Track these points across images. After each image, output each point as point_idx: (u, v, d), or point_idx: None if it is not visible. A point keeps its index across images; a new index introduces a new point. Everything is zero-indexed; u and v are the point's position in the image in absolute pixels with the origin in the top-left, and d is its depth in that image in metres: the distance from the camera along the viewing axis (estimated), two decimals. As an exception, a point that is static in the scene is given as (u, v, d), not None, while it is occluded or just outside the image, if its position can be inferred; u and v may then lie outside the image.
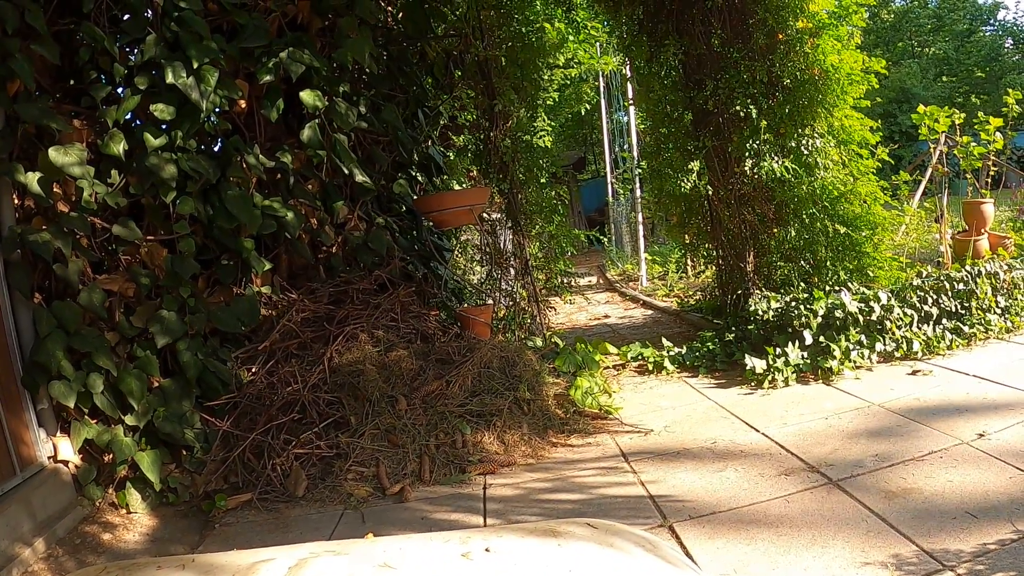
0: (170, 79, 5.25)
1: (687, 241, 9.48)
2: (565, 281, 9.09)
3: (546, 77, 10.76)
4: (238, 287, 6.09)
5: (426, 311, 6.96)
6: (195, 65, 5.36)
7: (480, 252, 8.52)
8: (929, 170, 11.20)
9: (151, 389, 5.31)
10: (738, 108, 7.41)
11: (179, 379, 5.48)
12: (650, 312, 11.36)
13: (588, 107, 21.07)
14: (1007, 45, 37.61)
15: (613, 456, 5.37)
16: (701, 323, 8.92)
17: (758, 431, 5.41)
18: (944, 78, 35.39)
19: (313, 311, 6.43)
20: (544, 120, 9.92)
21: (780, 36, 7.48)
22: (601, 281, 16.13)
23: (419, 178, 8.29)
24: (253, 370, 5.96)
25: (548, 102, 13.54)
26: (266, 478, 5.26)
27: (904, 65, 34.87)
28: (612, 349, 7.93)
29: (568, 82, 18.23)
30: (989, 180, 10.10)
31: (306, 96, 6.16)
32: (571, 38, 10.57)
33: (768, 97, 7.57)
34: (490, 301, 7.83)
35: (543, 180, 8.63)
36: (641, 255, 14.28)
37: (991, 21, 39.75)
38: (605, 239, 18.31)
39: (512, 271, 8.33)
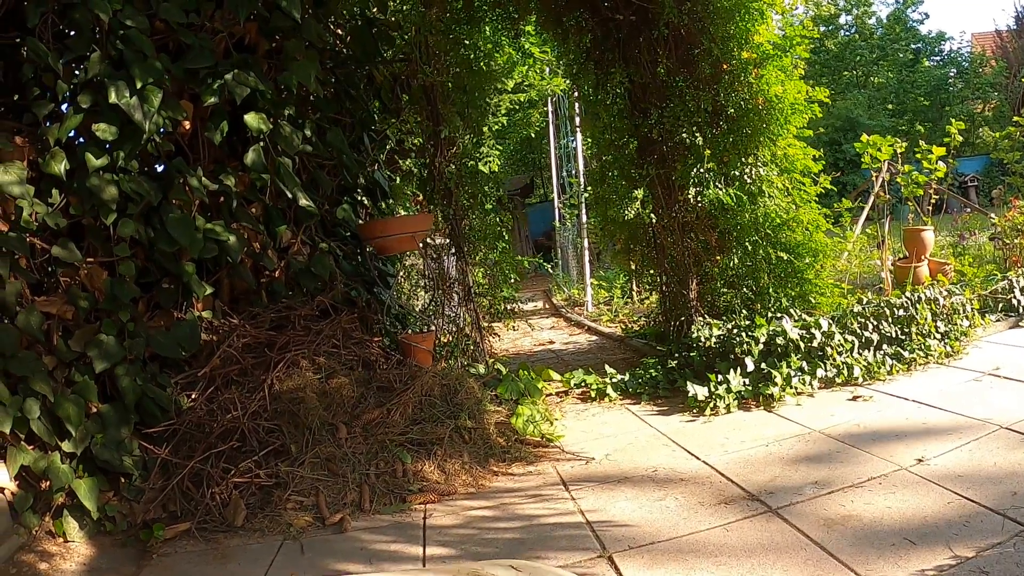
0: (113, 98, 5.17)
1: (632, 267, 9.51)
2: (509, 308, 9.04)
3: (494, 102, 10.77)
4: (179, 311, 5.99)
5: (368, 337, 6.88)
6: (139, 85, 5.28)
7: (424, 278, 8.44)
8: (872, 197, 11.35)
9: (89, 415, 5.18)
10: (683, 136, 7.46)
11: (117, 405, 5.34)
12: (595, 338, 11.36)
13: (537, 132, 21.17)
14: (951, 75, 38.35)
15: (554, 484, 5.33)
16: (645, 349, 8.95)
17: (699, 459, 5.40)
18: (889, 106, 36.02)
19: (254, 337, 6.32)
20: (489, 146, 9.87)
21: (725, 66, 7.55)
22: (547, 306, 16.10)
23: (364, 202, 8.23)
24: (193, 396, 5.85)
25: (495, 127, 13.54)
26: (205, 507, 5.14)
27: (850, 95, 35.47)
28: (555, 376, 7.92)
29: (517, 108, 18.30)
30: (930, 207, 10.28)
31: (250, 119, 6.10)
32: (519, 63, 10.60)
33: (712, 126, 7.64)
34: (432, 328, 7.76)
35: (488, 206, 8.60)
36: (587, 280, 14.29)
37: (936, 51, 40.58)
38: (550, 265, 18.33)
39: (456, 297, 8.27)
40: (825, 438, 5.44)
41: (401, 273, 8.99)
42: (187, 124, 6.05)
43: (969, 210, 14.34)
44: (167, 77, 5.57)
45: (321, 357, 6.27)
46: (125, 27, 5.37)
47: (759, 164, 7.65)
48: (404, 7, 8.19)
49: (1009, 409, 5.43)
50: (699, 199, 7.50)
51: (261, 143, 6.29)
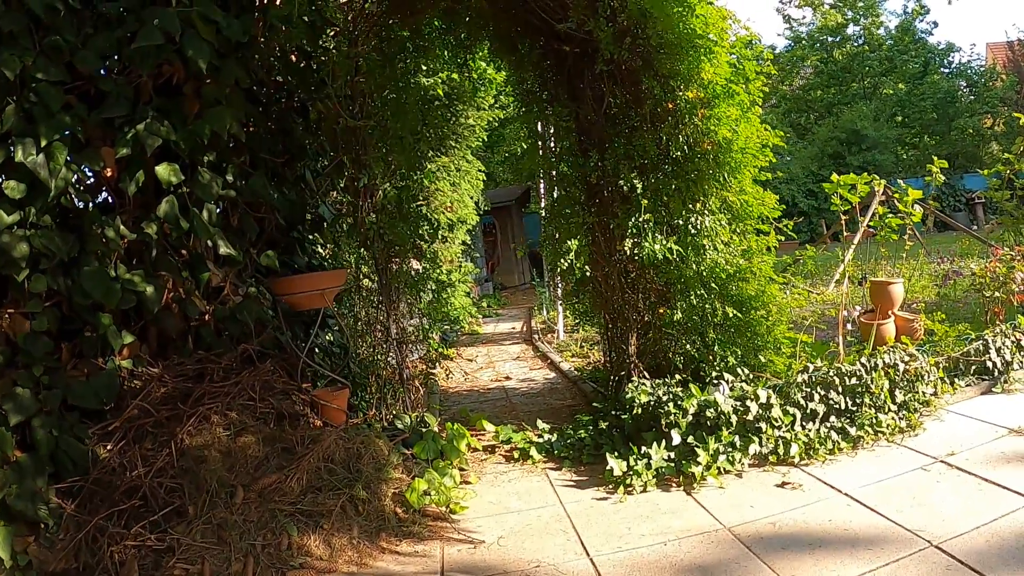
0: (19, 157, 5.06)
1: (582, 311, 9.03)
2: (443, 353, 8.66)
3: (468, 122, 10.39)
4: (103, 359, 5.83)
5: (295, 385, 6.58)
6: (43, 143, 5.15)
7: (359, 325, 8.03)
8: (858, 235, 10.89)
9: (8, 463, 5.08)
10: (622, 183, 6.94)
11: (34, 455, 5.23)
12: (552, 375, 11.01)
13: (525, 146, 20.90)
14: (961, 87, 37.80)
15: (432, 574, 4.98)
16: (592, 396, 8.49)
17: (588, 555, 4.96)
18: (898, 118, 35.62)
19: (174, 387, 6.09)
20: (411, 195, 9.25)
21: (670, 105, 7.00)
22: (524, 329, 15.66)
23: (306, 240, 7.78)
24: (109, 447, 5.68)
25: (475, 145, 13.28)
26: (104, 566, 5.06)
27: (856, 107, 35.03)
28: (489, 427, 7.56)
29: (503, 121, 18.01)
30: (911, 232, 9.79)
31: (161, 171, 5.85)
32: (481, 90, 10.26)
33: (656, 171, 7.10)
34: (346, 384, 7.25)
35: (431, 247, 8.20)
36: (559, 307, 13.90)
37: (945, 63, 40.07)
38: (536, 282, 18.02)
39: (391, 344, 7.88)
40: (732, 540, 4.94)
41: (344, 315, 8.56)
42: (109, 171, 5.84)
43: (975, 227, 13.92)
44: (80, 129, 5.47)
45: (234, 411, 6.05)
46: (36, 79, 5.25)
47: (706, 212, 7.08)
48: (333, 42, 7.71)
49: (948, 517, 4.86)
50: (636, 251, 6.95)
51: (178, 192, 6.04)
